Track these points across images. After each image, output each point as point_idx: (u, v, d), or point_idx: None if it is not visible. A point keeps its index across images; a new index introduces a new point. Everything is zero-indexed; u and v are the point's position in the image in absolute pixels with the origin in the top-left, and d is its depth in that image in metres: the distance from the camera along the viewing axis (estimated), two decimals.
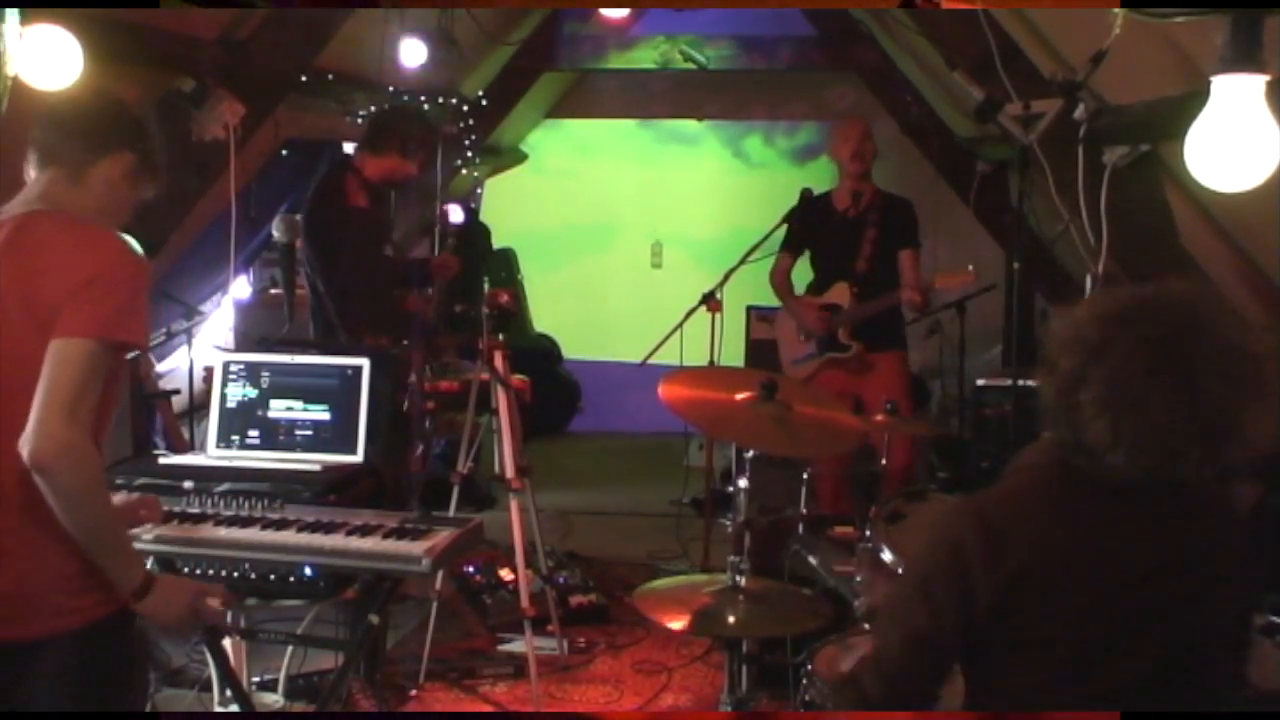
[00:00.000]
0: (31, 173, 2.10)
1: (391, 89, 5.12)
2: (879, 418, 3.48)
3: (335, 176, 4.37)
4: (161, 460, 3.14)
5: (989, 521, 1.59)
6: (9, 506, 1.94)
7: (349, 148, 5.96)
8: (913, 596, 1.65)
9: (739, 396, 2.71)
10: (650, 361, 4.64)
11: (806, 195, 4.67)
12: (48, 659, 1.97)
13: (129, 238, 2.04)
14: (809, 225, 4.77)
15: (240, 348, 4.57)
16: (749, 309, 6.49)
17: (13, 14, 2.62)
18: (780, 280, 4.88)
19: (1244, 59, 2.08)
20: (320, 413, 3.07)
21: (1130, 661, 1.58)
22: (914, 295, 4.46)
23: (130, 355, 2.53)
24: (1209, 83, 2.15)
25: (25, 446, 1.88)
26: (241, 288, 5.58)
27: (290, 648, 3.59)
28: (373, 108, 5.22)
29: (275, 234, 4.53)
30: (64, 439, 1.88)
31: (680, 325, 4.72)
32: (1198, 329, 1.50)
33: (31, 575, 1.95)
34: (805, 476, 4.28)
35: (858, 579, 3.02)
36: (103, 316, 1.93)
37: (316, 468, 3.00)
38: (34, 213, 2.02)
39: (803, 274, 4.95)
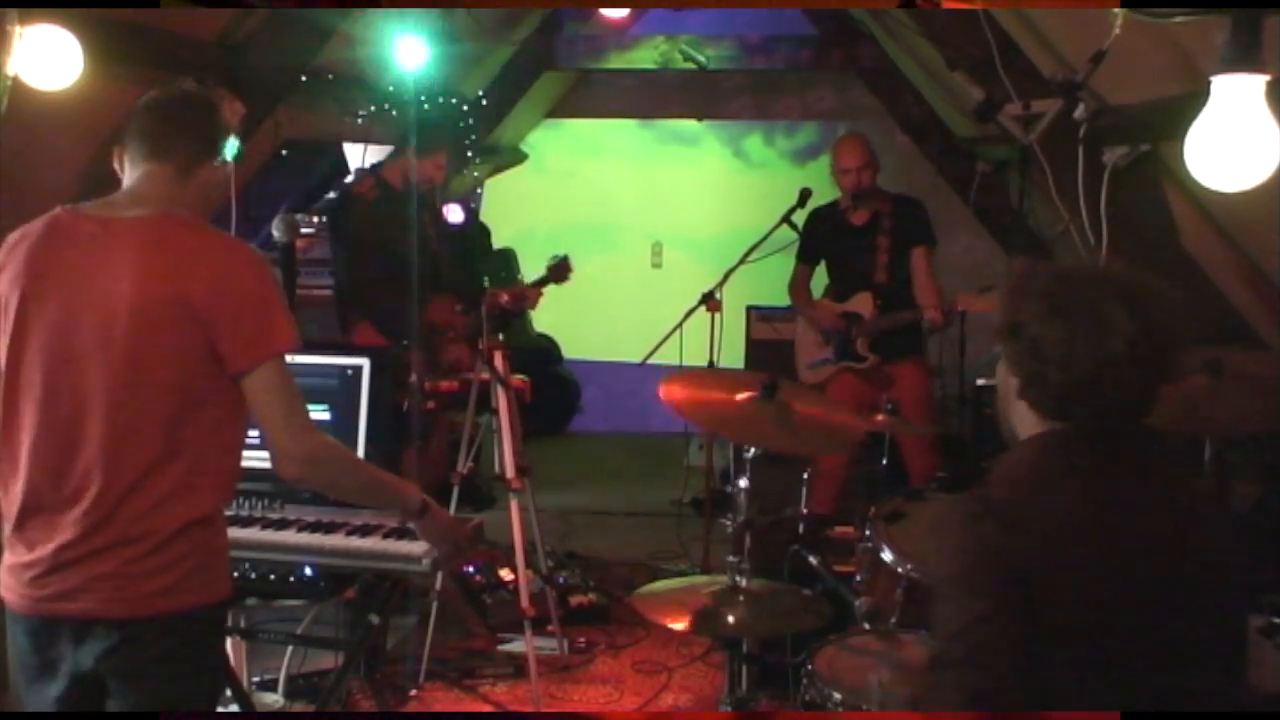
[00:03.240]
0: (137, 164, 2.13)
1: (391, 89, 5.12)
2: (879, 417, 3.48)
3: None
4: None
5: (999, 510, 1.60)
6: (137, 493, 2.00)
7: (350, 148, 5.99)
8: (965, 587, 1.60)
9: (739, 397, 2.71)
10: (650, 361, 4.64)
11: (806, 195, 4.68)
12: (150, 639, 2.03)
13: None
14: (821, 236, 4.78)
15: None
16: (749, 309, 6.49)
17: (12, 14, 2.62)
18: (799, 293, 4.91)
19: (1244, 59, 2.08)
20: (320, 413, 3.06)
21: (1130, 653, 1.58)
22: (936, 316, 4.44)
23: None
24: (1209, 83, 2.15)
25: (279, 470, 2.08)
26: None
27: (290, 648, 3.59)
28: (372, 107, 5.22)
29: (275, 234, 4.53)
30: (303, 452, 2.08)
31: (680, 325, 4.71)
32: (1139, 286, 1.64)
33: (147, 559, 2.01)
34: (805, 476, 4.29)
35: (858, 579, 3.02)
36: (273, 334, 2.07)
37: None
38: (167, 216, 2.08)
39: (817, 279, 4.98)
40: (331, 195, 5.76)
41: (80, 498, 2.00)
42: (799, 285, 4.90)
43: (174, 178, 2.12)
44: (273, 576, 2.82)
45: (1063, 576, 1.56)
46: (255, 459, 3.01)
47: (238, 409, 2.10)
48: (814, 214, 4.72)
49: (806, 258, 4.88)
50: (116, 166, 2.18)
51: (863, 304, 4.69)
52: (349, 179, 5.58)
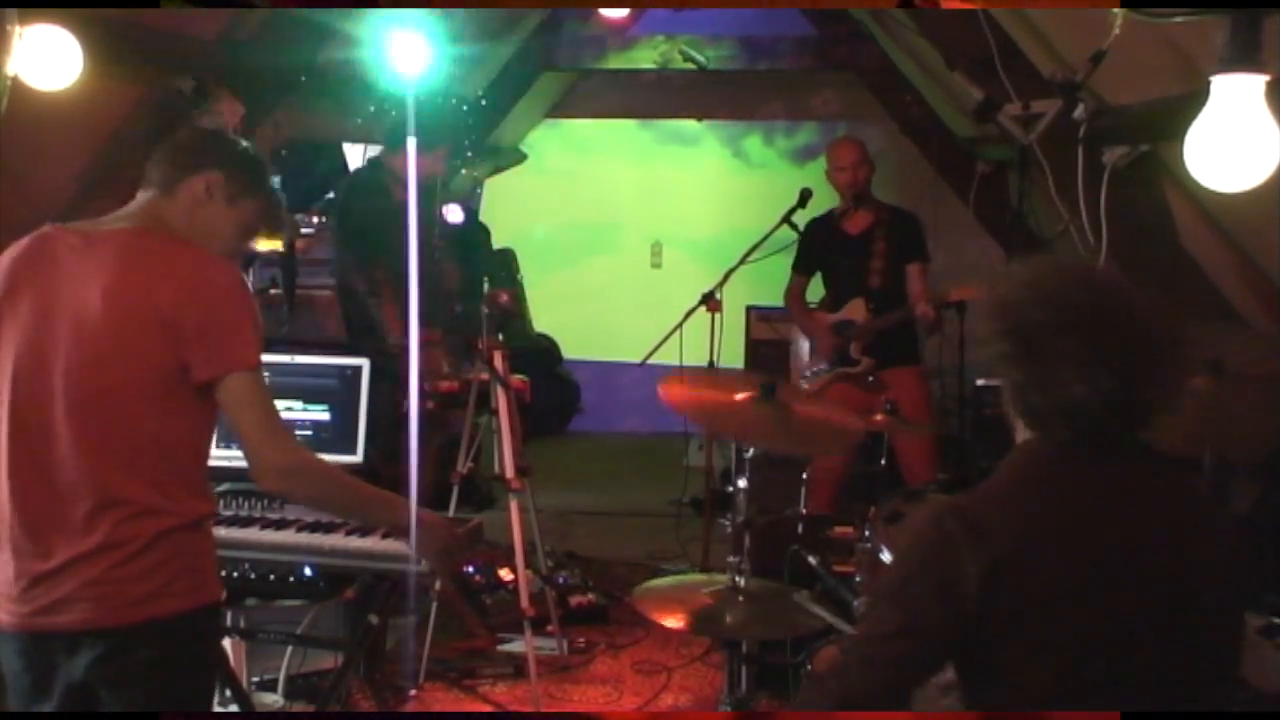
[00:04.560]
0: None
1: (391, 89, 5.12)
2: (878, 417, 3.47)
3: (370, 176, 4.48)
4: None
5: (968, 513, 1.61)
6: (113, 501, 1.99)
7: (350, 148, 5.98)
8: (898, 593, 1.64)
9: (738, 397, 2.71)
10: (650, 361, 4.64)
11: (806, 195, 4.68)
12: (138, 646, 2.01)
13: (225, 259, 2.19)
14: (817, 246, 4.81)
15: None
16: (749, 309, 6.49)
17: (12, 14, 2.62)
18: (795, 303, 4.94)
19: (1244, 59, 2.08)
20: (320, 413, 3.07)
21: (1120, 655, 1.58)
22: (926, 310, 4.45)
23: None
24: (1209, 83, 2.15)
25: (259, 483, 2.09)
26: None
27: (290, 648, 3.59)
28: (372, 108, 5.21)
29: None
30: (282, 463, 2.08)
31: (680, 325, 4.71)
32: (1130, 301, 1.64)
33: (128, 565, 2.00)
34: (805, 476, 4.29)
35: (858, 579, 3.02)
36: (244, 345, 2.06)
37: None
38: (146, 229, 2.11)
39: (815, 290, 4.98)
40: (331, 195, 5.76)
41: (58, 508, 1.99)
42: (794, 296, 4.93)
43: (157, 197, 2.17)
44: (272, 576, 2.83)
45: (1028, 581, 1.57)
46: None
47: (208, 417, 2.11)
48: (810, 225, 4.75)
49: (802, 268, 4.91)
50: None
51: (855, 310, 4.70)
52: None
